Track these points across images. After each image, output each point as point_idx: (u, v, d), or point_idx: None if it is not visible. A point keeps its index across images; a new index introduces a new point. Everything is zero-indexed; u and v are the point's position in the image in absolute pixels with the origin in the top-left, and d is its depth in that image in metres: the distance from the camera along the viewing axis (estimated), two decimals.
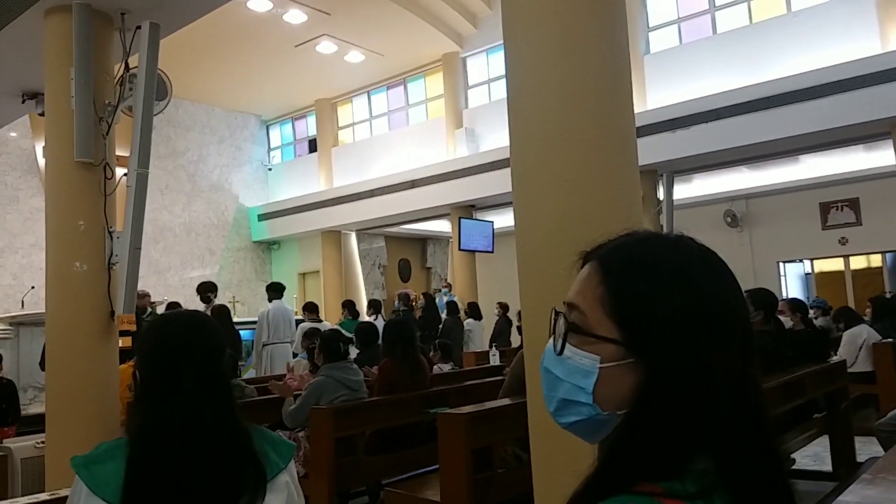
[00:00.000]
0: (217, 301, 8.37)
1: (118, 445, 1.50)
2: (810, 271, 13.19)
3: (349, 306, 10.17)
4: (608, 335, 0.73)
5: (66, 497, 1.56)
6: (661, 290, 0.72)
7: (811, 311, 8.05)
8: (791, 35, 10.01)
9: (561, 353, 0.76)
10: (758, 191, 12.65)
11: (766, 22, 10.41)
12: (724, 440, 0.70)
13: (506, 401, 3.73)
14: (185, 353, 1.53)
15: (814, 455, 5.60)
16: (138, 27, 5.02)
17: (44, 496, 1.98)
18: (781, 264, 13.04)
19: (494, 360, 7.31)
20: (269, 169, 17.23)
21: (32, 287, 9.81)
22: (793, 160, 11.28)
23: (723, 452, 0.70)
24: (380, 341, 6.11)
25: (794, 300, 5.47)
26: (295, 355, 7.74)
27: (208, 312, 7.96)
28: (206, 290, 8.23)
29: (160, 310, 11.66)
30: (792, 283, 13.15)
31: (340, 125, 16.27)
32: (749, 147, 9.86)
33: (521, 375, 3.84)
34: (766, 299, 4.59)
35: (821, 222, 12.42)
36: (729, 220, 13.06)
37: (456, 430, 3.30)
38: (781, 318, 5.73)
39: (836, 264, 12.74)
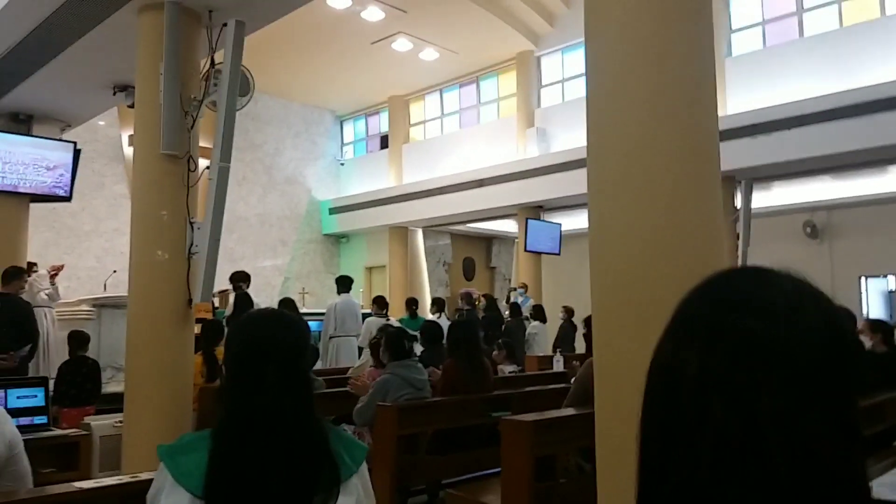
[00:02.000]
0: (247, 289, 8.34)
1: (202, 437, 1.56)
2: (894, 289, 12.57)
3: (410, 304, 10.18)
4: None
5: (146, 480, 1.62)
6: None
7: None
8: (884, 40, 9.53)
9: None
10: (841, 201, 12.11)
11: (858, 26, 9.95)
12: None
13: (570, 410, 3.70)
14: (270, 349, 1.58)
15: (891, 484, 5.34)
16: (224, 24, 5.18)
17: (126, 478, 2.07)
18: (864, 279, 12.47)
19: (558, 366, 7.24)
20: (342, 164, 17.53)
21: (114, 271, 10.25)
22: (880, 170, 10.76)
23: None
24: (444, 340, 6.16)
25: (875, 320, 5.22)
26: (360, 349, 7.86)
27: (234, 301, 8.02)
28: (238, 279, 8.29)
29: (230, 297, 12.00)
30: (874, 299, 12.55)
31: (412, 122, 16.40)
32: (834, 156, 9.46)
33: (586, 385, 3.80)
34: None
35: None
36: (808, 230, 12.56)
37: (520, 437, 3.29)
38: (861, 338, 5.48)
39: None
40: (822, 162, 9.78)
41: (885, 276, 12.52)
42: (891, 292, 12.61)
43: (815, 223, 12.53)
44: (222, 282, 11.52)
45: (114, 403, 6.40)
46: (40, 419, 3.77)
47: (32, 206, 8.17)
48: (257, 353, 1.57)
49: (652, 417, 0.75)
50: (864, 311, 12.06)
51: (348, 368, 6.88)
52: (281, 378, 1.55)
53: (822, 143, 9.30)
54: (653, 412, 0.75)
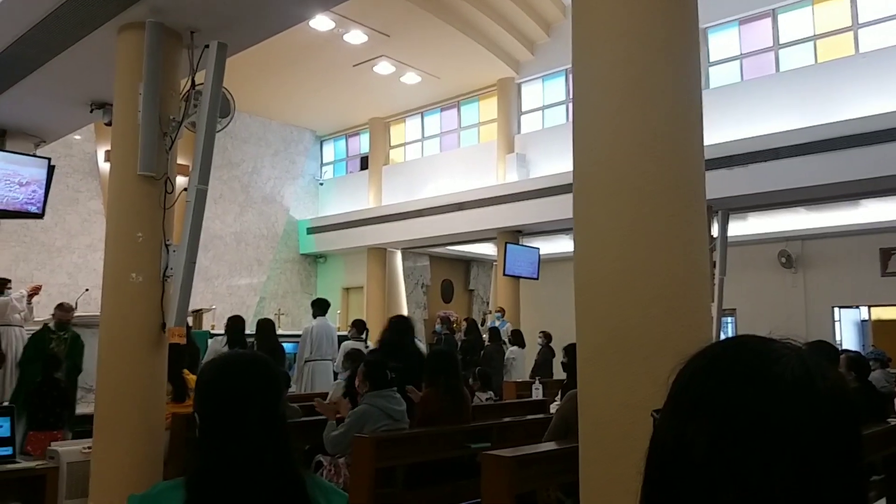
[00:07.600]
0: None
1: (175, 486, 1.50)
2: (867, 318, 12.75)
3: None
4: None
5: None
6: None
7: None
8: (858, 77, 9.75)
9: None
10: (815, 232, 12.30)
11: (833, 62, 10.16)
12: None
13: (552, 445, 3.66)
14: (248, 395, 1.52)
15: None
16: (206, 46, 5.12)
17: None
18: (837, 309, 12.63)
19: (537, 393, 7.20)
20: (321, 183, 17.47)
21: (87, 289, 10.04)
22: (853, 204, 10.95)
23: None
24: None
25: (855, 358, 5.23)
26: (336, 374, 7.75)
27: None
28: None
29: (207, 317, 11.84)
30: (847, 329, 12.72)
31: (393, 144, 16.42)
32: (808, 189, 9.61)
33: (568, 418, 3.76)
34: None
35: (881, 268, 12.01)
36: (783, 260, 12.72)
37: (501, 473, 3.24)
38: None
39: (894, 313, 12.28)
40: (797, 194, 9.93)
41: (858, 307, 12.69)
42: (863, 321, 12.79)
43: (789, 253, 12.69)
44: (196, 302, 11.38)
45: (82, 425, 6.25)
46: (5, 450, 3.63)
47: (2, 221, 7.99)
48: (235, 400, 1.51)
49: (654, 498, 0.72)
50: (838, 341, 12.21)
51: (320, 394, 6.76)
52: (260, 424, 1.49)
53: (797, 175, 9.45)
54: (655, 492, 0.72)
